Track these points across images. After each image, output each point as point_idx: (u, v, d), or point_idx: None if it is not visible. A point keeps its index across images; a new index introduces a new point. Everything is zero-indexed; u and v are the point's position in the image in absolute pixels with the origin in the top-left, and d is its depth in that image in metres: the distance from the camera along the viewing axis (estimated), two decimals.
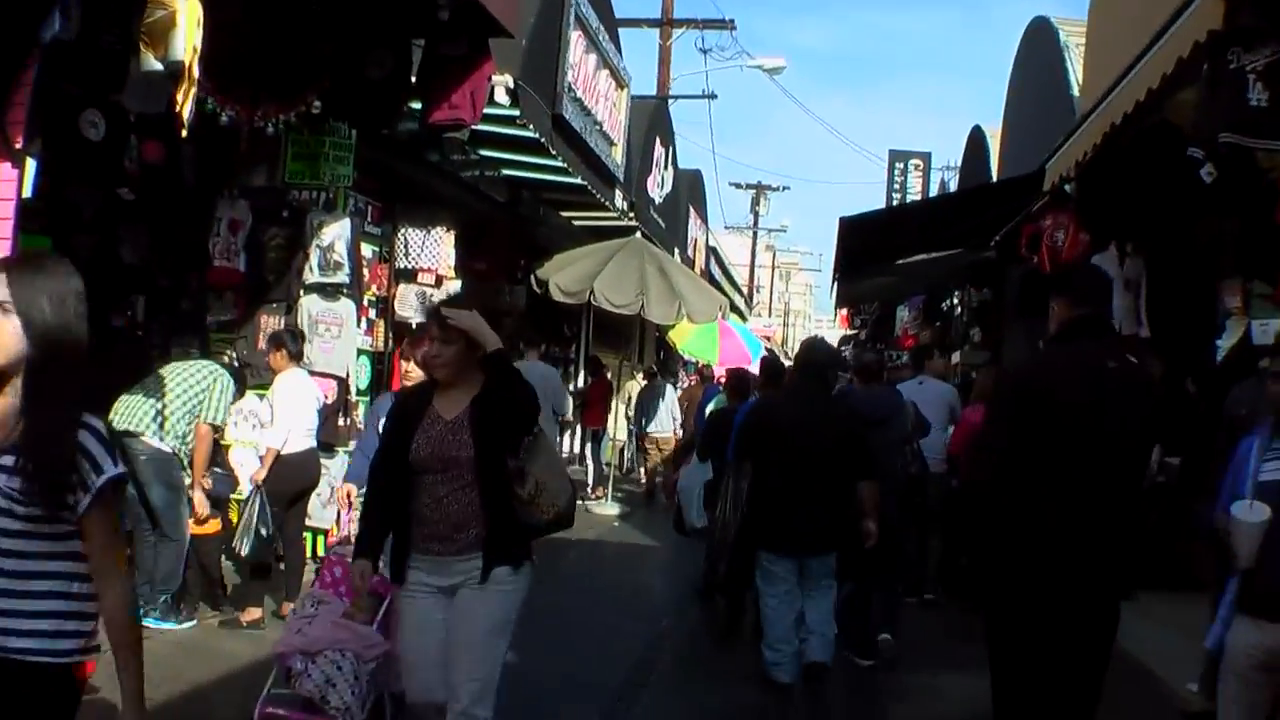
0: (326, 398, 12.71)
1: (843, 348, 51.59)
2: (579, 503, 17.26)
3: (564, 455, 17.23)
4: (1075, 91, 17.48)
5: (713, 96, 38.71)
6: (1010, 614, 6.53)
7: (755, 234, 71.53)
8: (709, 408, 16.97)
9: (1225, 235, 14.59)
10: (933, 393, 14.69)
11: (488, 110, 13.64)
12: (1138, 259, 14.79)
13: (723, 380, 18.29)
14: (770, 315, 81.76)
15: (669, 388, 25.96)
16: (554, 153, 17.25)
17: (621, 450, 26.82)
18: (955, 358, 24.24)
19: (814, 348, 11.03)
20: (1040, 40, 21.22)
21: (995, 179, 24.33)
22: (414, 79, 12.56)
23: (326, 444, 13.01)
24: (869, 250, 20.37)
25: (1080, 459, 6.26)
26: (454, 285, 16.30)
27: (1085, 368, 6.41)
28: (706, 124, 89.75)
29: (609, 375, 25.45)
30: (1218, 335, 10.52)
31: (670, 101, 33.22)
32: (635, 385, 26.77)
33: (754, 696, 10.02)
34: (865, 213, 21.39)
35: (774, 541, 9.64)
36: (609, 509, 21.83)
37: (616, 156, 21.53)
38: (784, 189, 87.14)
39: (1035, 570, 6.33)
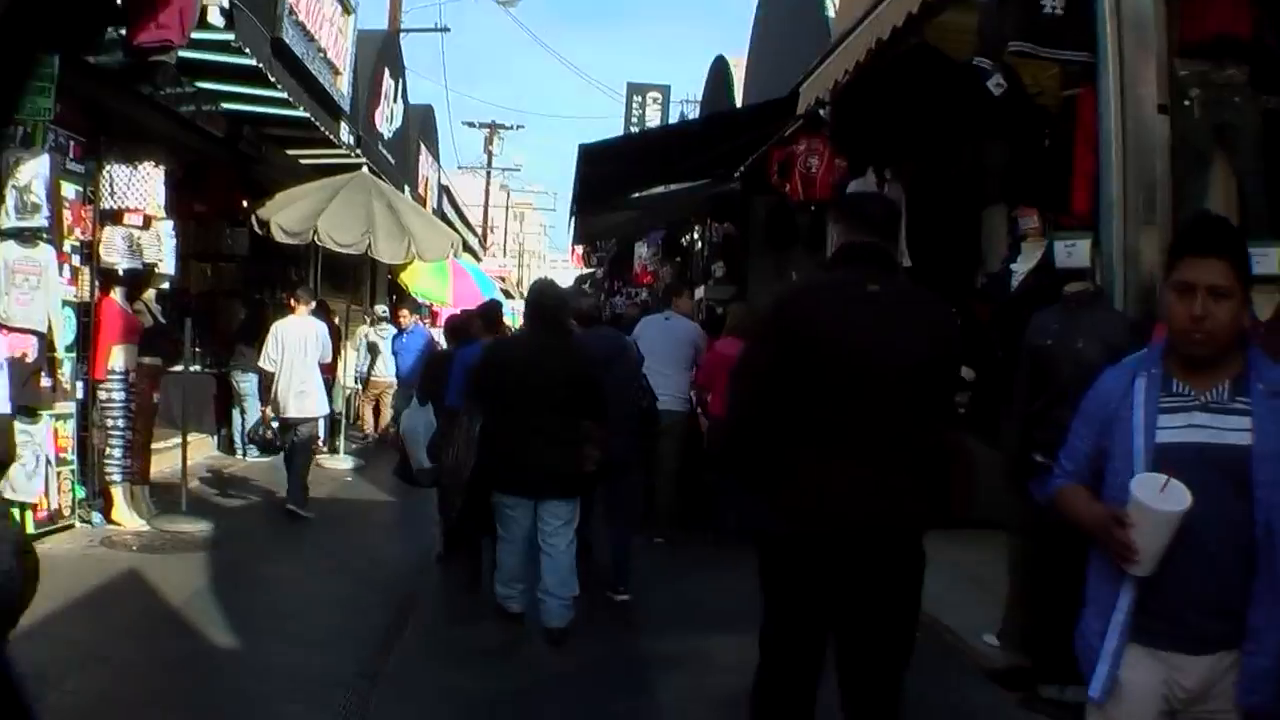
0: (25, 355, 11.54)
1: (581, 286, 51.27)
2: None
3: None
4: (830, 13, 16.82)
5: (445, 30, 37.52)
6: (786, 569, 5.72)
7: (489, 173, 70.55)
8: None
9: (990, 161, 14.24)
10: (679, 330, 14.80)
11: (202, 35, 12.77)
12: (897, 185, 14.43)
13: (420, 323, 20.10)
14: (505, 255, 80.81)
15: (393, 331, 24.57)
16: (274, 80, 15.76)
17: (350, 399, 25.51)
18: (699, 293, 23.70)
19: (545, 290, 10.89)
20: None
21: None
22: None
23: (28, 408, 11.83)
24: (609, 181, 19.66)
25: (846, 391, 5.52)
26: (165, 226, 14.89)
27: (846, 293, 5.71)
28: (440, 61, 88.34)
29: (337, 320, 23.98)
30: (1011, 259, 9.66)
31: (402, 37, 32.00)
32: (365, 330, 25.42)
33: (506, 680, 9.06)
34: (606, 140, 20.54)
35: (509, 483, 9.67)
36: (341, 463, 20.51)
37: (342, 87, 20.10)
38: (518, 128, 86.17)
39: (804, 516, 5.57)
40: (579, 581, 10.11)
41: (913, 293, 5.90)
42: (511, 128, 71.40)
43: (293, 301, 16.57)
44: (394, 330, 24.12)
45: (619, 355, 11.73)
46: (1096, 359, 7.54)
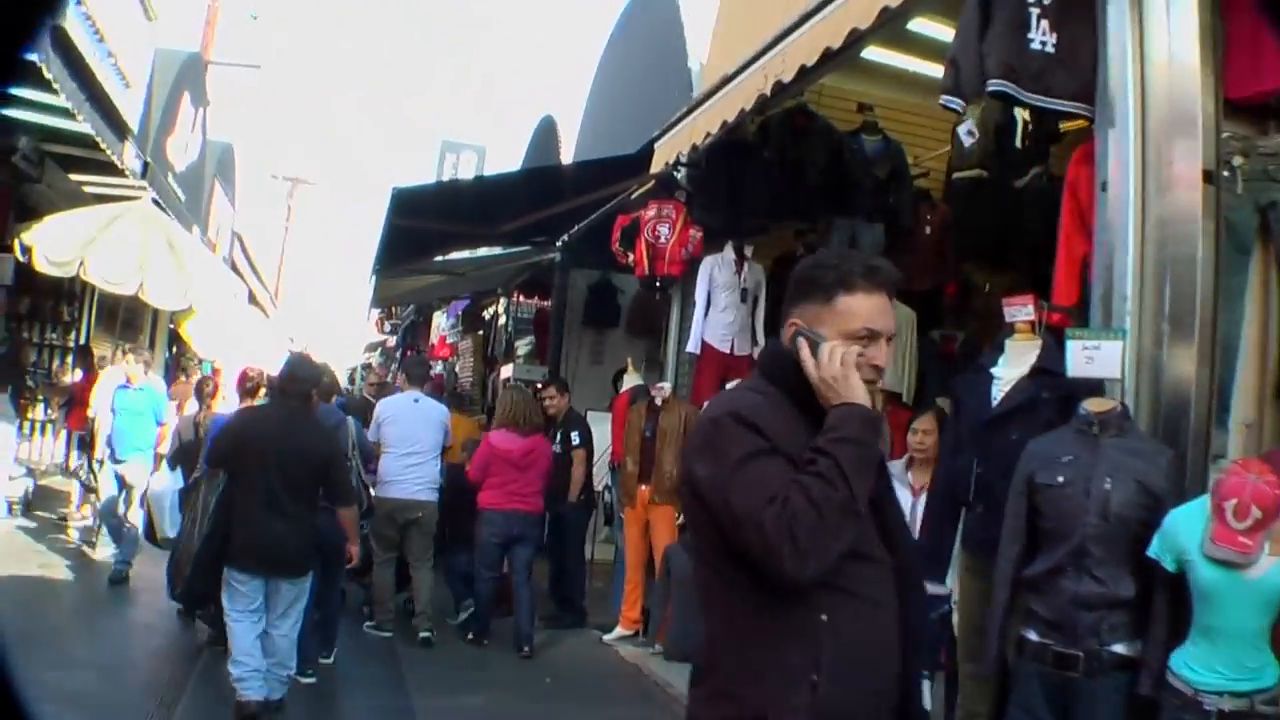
0: None
1: (367, 354, 49.27)
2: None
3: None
4: (694, 64, 15.19)
5: (255, 66, 35.24)
6: None
7: (287, 228, 68.05)
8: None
9: (864, 245, 12.84)
10: (431, 412, 13.84)
11: None
12: (757, 265, 13.10)
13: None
14: (295, 313, 78.12)
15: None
16: (51, 78, 13.18)
17: None
18: (507, 372, 22.31)
19: (298, 364, 10.71)
20: (648, 9, 19.26)
21: None
22: None
23: None
24: (418, 237, 18.01)
25: None
26: None
27: None
28: (250, 101, 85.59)
29: (105, 372, 21.37)
30: (990, 359, 7.54)
31: (208, 69, 29.60)
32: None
33: None
34: (421, 185, 18.90)
35: (242, 559, 9.44)
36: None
37: (132, 101, 17.72)
38: (318, 184, 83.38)
39: None
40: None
41: None
42: (314, 184, 68.98)
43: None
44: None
45: (335, 432, 11.45)
46: (1129, 508, 5.74)
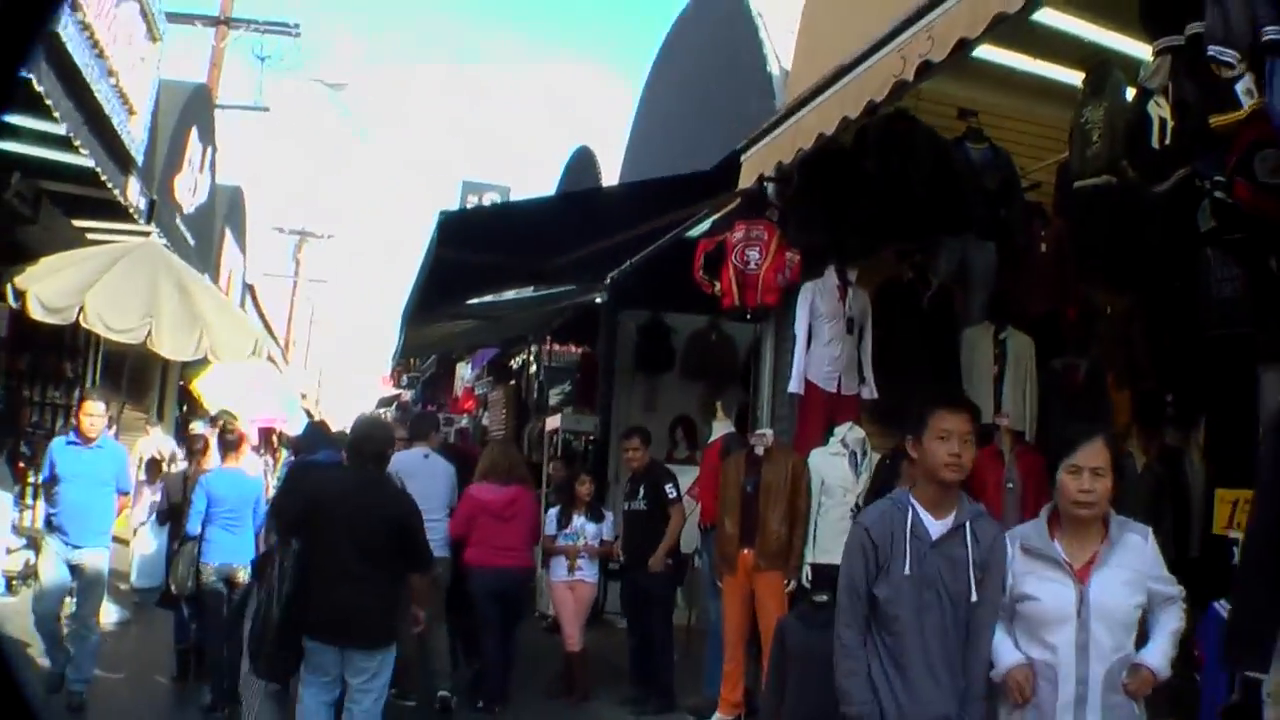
0: None
1: (380, 409, 48.29)
2: None
3: None
4: (773, 69, 13.68)
5: (264, 109, 33.84)
6: None
7: (295, 283, 66.97)
8: None
9: (975, 267, 12.33)
10: (441, 470, 13.48)
11: None
12: (862, 293, 11.78)
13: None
14: (306, 369, 77.33)
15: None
16: (43, 92, 11.43)
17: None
18: (554, 423, 20.96)
19: (372, 424, 10.76)
20: (707, 22, 17.84)
21: None
22: None
23: None
24: (457, 272, 16.01)
25: None
26: None
27: None
28: (256, 151, 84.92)
29: (114, 431, 19.78)
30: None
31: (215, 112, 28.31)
32: (148, 443, 20.72)
33: None
34: (472, 208, 17.68)
35: (314, 627, 9.02)
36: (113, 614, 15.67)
37: (136, 131, 16.04)
38: (329, 237, 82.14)
39: None
40: None
41: None
42: (321, 236, 67.74)
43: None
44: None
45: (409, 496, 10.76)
46: None
